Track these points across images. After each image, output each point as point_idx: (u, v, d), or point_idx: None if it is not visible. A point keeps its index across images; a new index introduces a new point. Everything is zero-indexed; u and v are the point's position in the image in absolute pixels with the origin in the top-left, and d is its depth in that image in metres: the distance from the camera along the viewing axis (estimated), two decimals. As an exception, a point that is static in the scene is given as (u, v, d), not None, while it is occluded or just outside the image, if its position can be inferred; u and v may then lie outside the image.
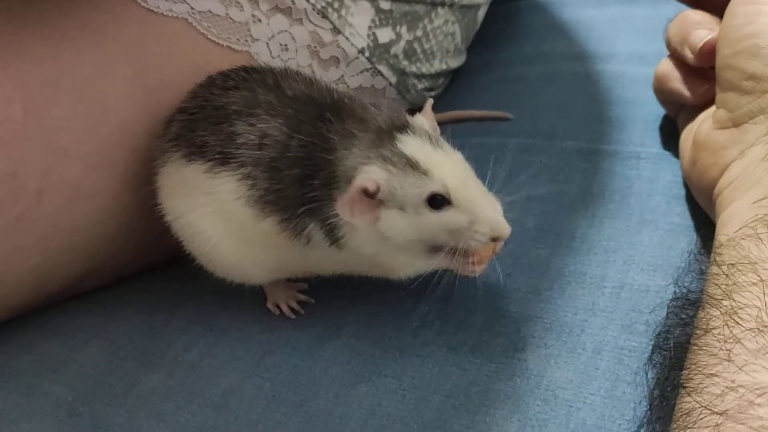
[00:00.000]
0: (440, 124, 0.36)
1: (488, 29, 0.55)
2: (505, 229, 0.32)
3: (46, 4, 0.39)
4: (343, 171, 0.32)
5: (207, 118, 0.36)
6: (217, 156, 0.35)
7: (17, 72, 0.37)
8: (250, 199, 0.34)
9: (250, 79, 0.36)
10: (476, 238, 0.32)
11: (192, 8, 0.41)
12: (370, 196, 0.32)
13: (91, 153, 0.39)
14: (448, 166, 0.32)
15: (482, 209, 0.32)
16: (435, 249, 0.34)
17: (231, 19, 0.42)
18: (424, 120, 0.35)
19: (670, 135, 0.42)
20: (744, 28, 0.34)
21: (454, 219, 0.32)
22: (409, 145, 0.32)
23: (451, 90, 0.52)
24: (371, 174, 0.32)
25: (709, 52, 0.36)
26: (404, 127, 0.33)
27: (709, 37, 0.36)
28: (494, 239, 0.33)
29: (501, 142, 0.45)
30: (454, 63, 0.51)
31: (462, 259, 0.33)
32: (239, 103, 0.35)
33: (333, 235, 0.34)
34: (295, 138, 0.34)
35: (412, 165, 0.32)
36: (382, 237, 0.33)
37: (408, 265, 0.35)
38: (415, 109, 0.51)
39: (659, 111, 0.43)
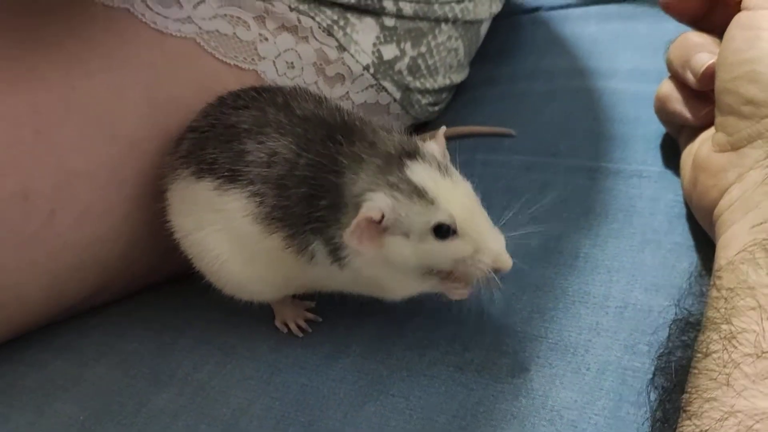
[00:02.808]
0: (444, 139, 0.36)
1: (491, 44, 0.55)
2: (507, 262, 0.33)
3: (57, 26, 0.39)
4: (350, 196, 0.33)
5: (217, 136, 0.36)
6: (226, 173, 0.35)
7: (28, 94, 0.38)
8: (257, 216, 0.35)
9: (260, 99, 0.37)
10: (478, 267, 0.33)
11: (200, 28, 0.41)
12: (376, 223, 0.32)
13: (101, 173, 0.40)
14: (455, 196, 0.33)
15: (487, 241, 0.33)
16: (430, 271, 0.34)
17: (238, 38, 0.42)
18: (435, 147, 0.35)
19: (672, 153, 0.42)
20: (743, 53, 0.34)
21: (459, 248, 0.33)
22: (417, 172, 0.32)
23: (454, 105, 0.53)
24: (377, 202, 0.32)
25: (711, 77, 0.36)
26: (414, 154, 0.33)
27: (710, 62, 0.36)
28: (495, 270, 0.33)
29: (504, 160, 0.46)
30: (458, 78, 0.52)
31: (451, 284, 0.34)
32: (249, 121, 0.36)
33: (336, 254, 0.34)
34: (304, 157, 0.34)
35: (418, 193, 0.32)
36: (385, 261, 0.33)
37: (404, 287, 0.35)
38: (420, 124, 0.52)
39: (661, 129, 0.44)
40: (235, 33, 0.42)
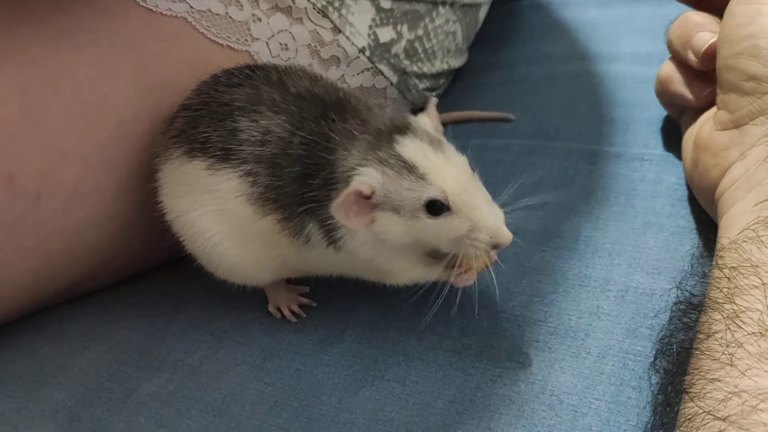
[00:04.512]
0: (442, 125, 0.36)
1: (489, 29, 0.54)
2: (506, 236, 0.32)
3: (44, 2, 0.38)
4: (342, 172, 0.32)
5: (210, 114, 0.35)
6: (218, 152, 0.34)
7: (14, 71, 0.37)
8: (251, 196, 0.34)
9: (254, 77, 0.36)
10: (476, 245, 0.32)
11: (191, 7, 0.41)
12: (365, 198, 0.32)
13: (89, 154, 0.39)
14: (447, 171, 0.32)
15: (482, 216, 0.32)
16: (433, 255, 0.34)
17: (231, 18, 0.42)
18: (428, 121, 0.34)
19: (673, 137, 0.42)
20: (744, 28, 0.34)
21: (453, 226, 0.32)
22: (407, 147, 0.32)
23: (452, 90, 0.52)
24: (366, 177, 0.31)
25: (712, 56, 0.36)
26: (405, 129, 0.32)
27: (711, 41, 0.36)
28: (495, 246, 0.32)
29: (504, 144, 0.45)
30: (456, 63, 0.51)
31: (456, 272, 0.33)
32: (243, 99, 0.35)
33: (331, 236, 0.33)
34: (298, 135, 0.33)
35: (409, 169, 0.31)
36: (378, 240, 0.33)
37: (405, 272, 0.35)
38: (417, 109, 0.51)
39: (662, 113, 0.43)
40: (227, 12, 0.41)
